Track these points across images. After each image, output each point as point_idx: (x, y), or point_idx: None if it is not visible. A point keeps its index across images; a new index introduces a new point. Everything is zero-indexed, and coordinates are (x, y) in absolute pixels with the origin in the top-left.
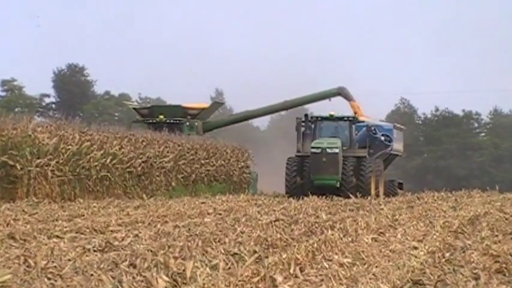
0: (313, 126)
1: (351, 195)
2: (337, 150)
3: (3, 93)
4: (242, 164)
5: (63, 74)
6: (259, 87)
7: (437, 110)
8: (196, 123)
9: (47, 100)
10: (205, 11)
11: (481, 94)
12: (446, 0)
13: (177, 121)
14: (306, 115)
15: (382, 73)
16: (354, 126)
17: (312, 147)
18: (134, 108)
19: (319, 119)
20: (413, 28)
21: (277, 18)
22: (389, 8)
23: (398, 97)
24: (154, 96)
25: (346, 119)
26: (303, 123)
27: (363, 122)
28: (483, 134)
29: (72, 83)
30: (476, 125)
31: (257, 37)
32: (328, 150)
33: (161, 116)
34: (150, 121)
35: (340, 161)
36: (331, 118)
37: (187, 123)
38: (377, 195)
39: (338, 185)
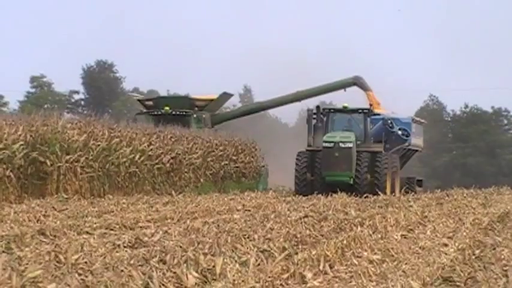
0: (325, 118)
1: (379, 193)
2: (350, 145)
3: (33, 90)
4: (252, 158)
5: (92, 71)
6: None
7: (466, 106)
8: (204, 116)
9: (76, 97)
10: (235, 8)
11: (511, 91)
12: None
13: (184, 113)
14: (317, 107)
15: (411, 69)
16: (368, 119)
17: (324, 141)
18: (139, 100)
19: (332, 111)
20: (444, 24)
21: (309, 17)
22: (419, 4)
23: (427, 94)
24: (183, 92)
25: (360, 111)
26: (315, 116)
27: (379, 114)
28: None
29: (101, 80)
30: (505, 122)
31: (291, 35)
32: (341, 145)
33: (167, 108)
34: (155, 113)
35: (353, 156)
36: (344, 110)
37: (195, 115)
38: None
39: (351, 182)
